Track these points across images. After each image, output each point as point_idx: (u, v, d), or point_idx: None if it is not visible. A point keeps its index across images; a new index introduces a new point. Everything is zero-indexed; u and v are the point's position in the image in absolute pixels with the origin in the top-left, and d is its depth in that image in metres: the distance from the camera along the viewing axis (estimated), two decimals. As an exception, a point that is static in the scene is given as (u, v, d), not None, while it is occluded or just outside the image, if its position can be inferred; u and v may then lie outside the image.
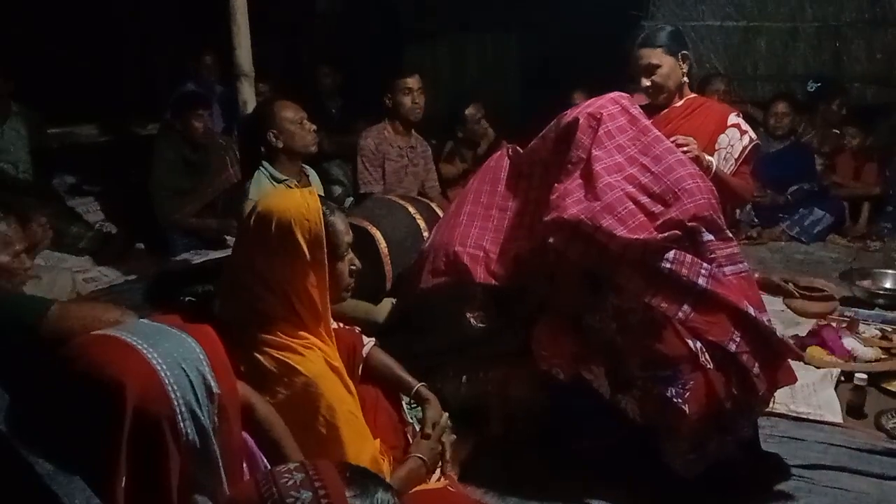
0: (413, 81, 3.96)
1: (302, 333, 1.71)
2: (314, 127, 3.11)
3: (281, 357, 1.67)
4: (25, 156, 4.84)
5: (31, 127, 4.91)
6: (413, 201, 3.33)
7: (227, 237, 4.46)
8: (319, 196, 1.78)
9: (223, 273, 1.83)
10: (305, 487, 0.99)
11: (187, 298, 2.92)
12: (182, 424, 1.17)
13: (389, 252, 2.94)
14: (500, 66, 7.46)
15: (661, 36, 2.73)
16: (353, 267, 1.87)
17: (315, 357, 1.71)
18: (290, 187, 3.01)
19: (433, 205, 3.39)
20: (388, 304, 2.89)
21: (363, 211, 3.19)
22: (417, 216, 3.15)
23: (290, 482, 1.00)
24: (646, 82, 2.71)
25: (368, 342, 2.07)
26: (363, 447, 1.73)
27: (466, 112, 4.88)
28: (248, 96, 3.59)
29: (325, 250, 1.71)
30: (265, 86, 4.88)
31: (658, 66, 2.69)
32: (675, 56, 2.71)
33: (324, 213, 1.73)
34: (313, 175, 3.26)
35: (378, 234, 2.94)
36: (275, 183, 2.98)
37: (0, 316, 1.89)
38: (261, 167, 3.02)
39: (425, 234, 3.00)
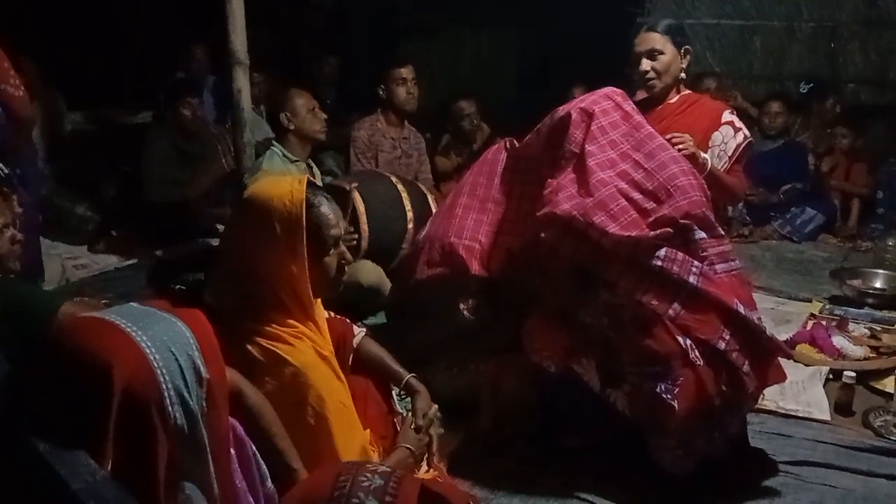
0: (407, 72, 3.96)
1: (291, 322, 1.70)
2: (325, 116, 3.37)
3: (270, 347, 1.66)
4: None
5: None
6: (397, 176, 3.46)
7: (219, 226, 4.45)
8: (313, 186, 1.76)
9: (215, 260, 1.82)
10: (377, 496, 0.97)
11: (177, 286, 2.92)
12: (170, 409, 1.17)
13: (367, 212, 3.03)
14: (496, 63, 7.45)
15: (669, 25, 2.73)
16: (343, 262, 1.82)
17: (304, 347, 1.70)
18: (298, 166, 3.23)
19: (417, 183, 3.48)
20: (367, 264, 2.95)
21: (346, 176, 3.43)
22: (399, 185, 3.32)
23: (366, 483, 0.98)
24: (645, 66, 2.69)
25: (359, 332, 2.06)
26: (352, 437, 1.73)
27: (455, 107, 4.88)
28: (243, 84, 3.56)
29: (305, 240, 1.67)
30: (260, 75, 4.85)
31: (661, 53, 2.68)
32: (678, 48, 2.71)
33: (311, 204, 1.70)
34: (314, 167, 3.35)
35: (356, 194, 3.06)
36: (288, 161, 3.22)
37: (11, 308, 1.90)
38: (273, 146, 3.27)
39: (405, 198, 3.07)
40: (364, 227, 3.05)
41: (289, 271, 1.68)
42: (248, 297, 1.69)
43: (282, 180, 1.76)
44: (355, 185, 3.22)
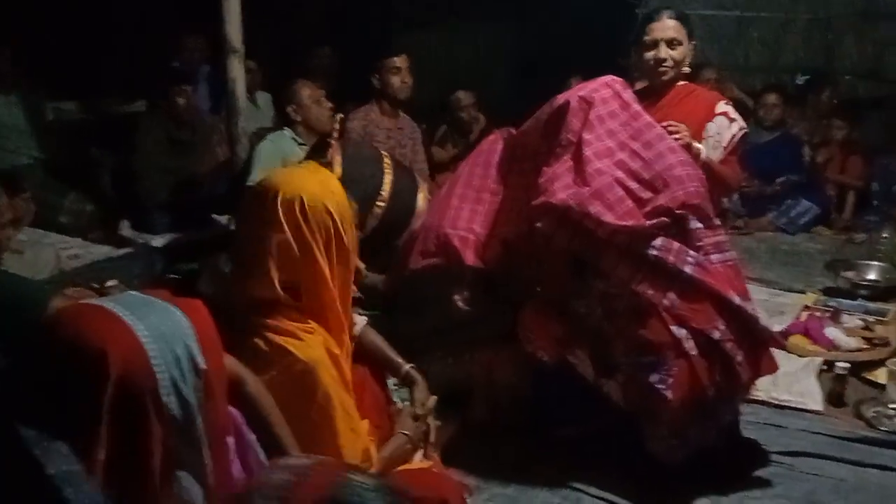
0: (401, 61, 3.95)
1: (303, 317, 1.67)
2: (331, 105, 3.45)
3: (280, 341, 1.63)
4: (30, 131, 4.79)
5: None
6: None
7: (215, 216, 4.44)
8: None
9: (233, 252, 1.77)
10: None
11: (172, 276, 2.92)
12: (165, 398, 1.16)
13: (343, 160, 3.04)
14: (492, 54, 7.42)
15: (683, 15, 2.73)
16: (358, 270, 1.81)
17: (315, 343, 1.66)
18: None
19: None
20: None
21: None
22: (384, 152, 3.25)
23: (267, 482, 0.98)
24: (664, 53, 2.66)
25: (360, 321, 2.05)
26: (356, 438, 1.70)
27: (454, 98, 4.87)
28: (237, 73, 3.56)
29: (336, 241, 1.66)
30: (254, 63, 4.82)
31: (680, 43, 2.67)
32: (690, 41, 2.71)
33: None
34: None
35: (334, 144, 3.05)
36: (295, 144, 3.35)
37: (2, 299, 1.89)
38: (285, 128, 3.44)
39: (386, 162, 3.10)
40: (336, 167, 3.06)
41: (315, 271, 1.65)
42: (263, 288, 1.65)
43: (309, 176, 1.72)
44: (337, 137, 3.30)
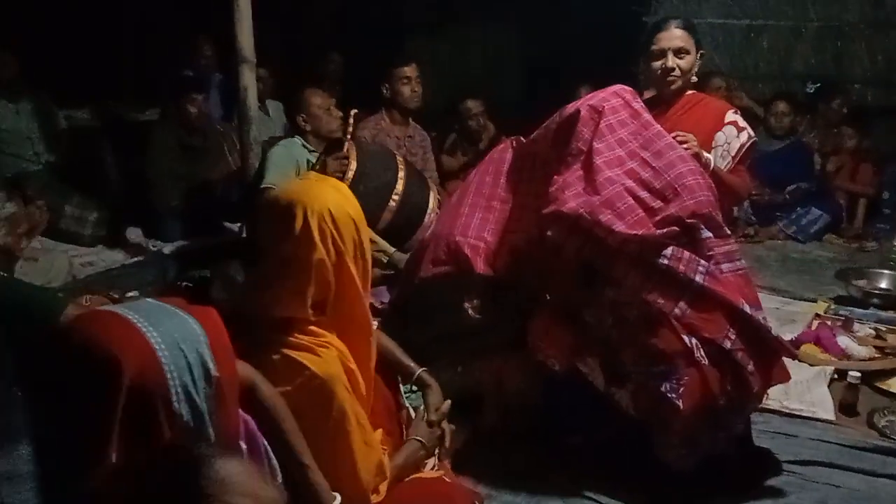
0: (410, 70, 3.97)
1: (320, 331, 1.66)
2: (340, 114, 3.48)
3: (297, 357, 1.62)
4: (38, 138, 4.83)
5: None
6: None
7: (227, 224, 4.46)
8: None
9: (256, 269, 1.74)
10: None
11: (184, 283, 2.94)
12: (177, 405, 1.17)
13: (358, 156, 3.16)
14: (501, 61, 7.44)
15: (691, 24, 2.73)
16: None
17: (331, 358, 1.65)
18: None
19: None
20: None
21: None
22: (397, 154, 3.42)
23: None
24: (672, 63, 2.66)
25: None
26: (369, 451, 1.70)
27: (463, 106, 4.89)
28: (249, 82, 3.59)
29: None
30: (265, 71, 4.86)
31: (687, 52, 2.67)
32: (697, 50, 2.71)
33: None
34: None
35: (351, 141, 3.25)
36: (307, 151, 3.41)
37: (18, 307, 1.90)
38: (296, 136, 3.49)
39: (399, 162, 3.22)
40: (353, 162, 3.10)
41: (347, 282, 1.64)
42: (283, 303, 1.63)
43: (325, 186, 1.70)
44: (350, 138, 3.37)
